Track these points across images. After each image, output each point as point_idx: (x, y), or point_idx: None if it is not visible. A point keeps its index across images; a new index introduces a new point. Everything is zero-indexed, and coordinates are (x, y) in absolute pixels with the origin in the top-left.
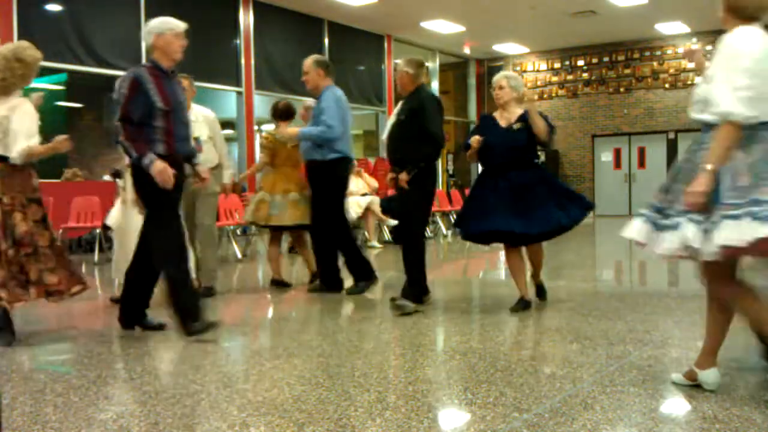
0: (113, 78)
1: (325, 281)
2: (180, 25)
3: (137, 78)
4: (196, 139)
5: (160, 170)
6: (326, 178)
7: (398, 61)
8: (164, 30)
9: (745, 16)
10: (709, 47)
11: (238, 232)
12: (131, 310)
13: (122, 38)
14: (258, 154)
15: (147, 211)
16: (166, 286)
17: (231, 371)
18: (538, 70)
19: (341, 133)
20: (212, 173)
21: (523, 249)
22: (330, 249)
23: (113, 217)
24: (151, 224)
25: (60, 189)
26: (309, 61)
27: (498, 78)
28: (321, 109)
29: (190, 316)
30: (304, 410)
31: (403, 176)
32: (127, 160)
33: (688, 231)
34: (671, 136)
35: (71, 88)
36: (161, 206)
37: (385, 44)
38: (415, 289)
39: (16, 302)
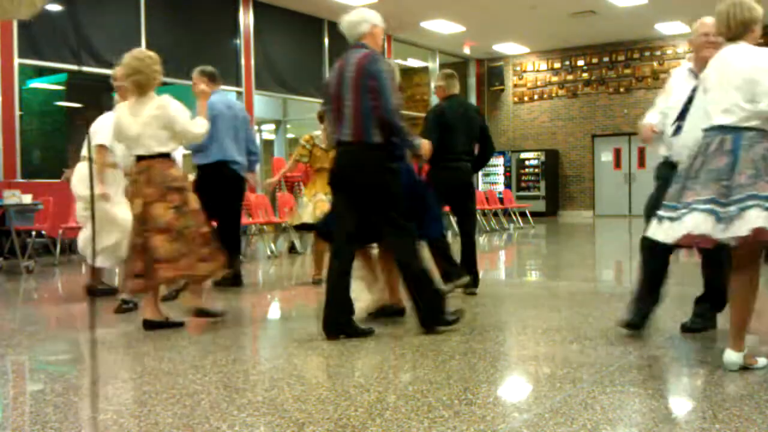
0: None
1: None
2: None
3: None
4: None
5: (427, 147)
6: (209, 181)
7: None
8: (378, 23)
9: None
10: None
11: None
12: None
13: (122, 38)
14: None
15: (388, 209)
16: (409, 282)
17: (231, 371)
18: (538, 70)
19: (204, 139)
20: None
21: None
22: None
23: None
24: (393, 220)
25: (60, 189)
26: (195, 73)
27: None
28: None
29: (433, 312)
30: (304, 410)
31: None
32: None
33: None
34: None
35: (71, 88)
36: (400, 199)
37: (385, 44)
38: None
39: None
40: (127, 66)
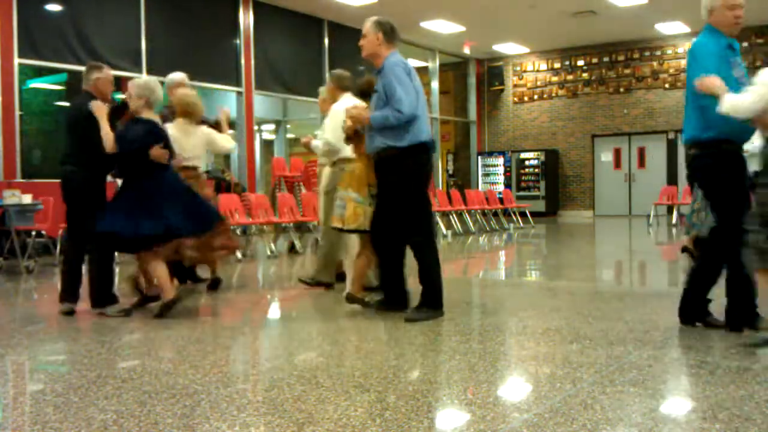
0: (114, 78)
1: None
2: None
3: None
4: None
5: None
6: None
7: None
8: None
9: None
10: None
11: (238, 232)
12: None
13: (122, 38)
14: (258, 153)
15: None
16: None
17: (231, 371)
18: (538, 70)
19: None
20: None
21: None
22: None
23: None
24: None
25: (59, 189)
26: (369, 24)
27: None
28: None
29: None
30: (304, 410)
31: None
32: None
33: None
34: (671, 136)
35: (71, 88)
36: None
37: None
38: None
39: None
40: None
